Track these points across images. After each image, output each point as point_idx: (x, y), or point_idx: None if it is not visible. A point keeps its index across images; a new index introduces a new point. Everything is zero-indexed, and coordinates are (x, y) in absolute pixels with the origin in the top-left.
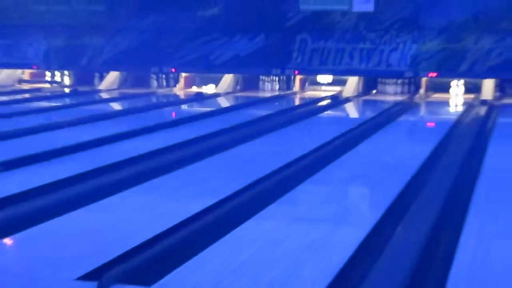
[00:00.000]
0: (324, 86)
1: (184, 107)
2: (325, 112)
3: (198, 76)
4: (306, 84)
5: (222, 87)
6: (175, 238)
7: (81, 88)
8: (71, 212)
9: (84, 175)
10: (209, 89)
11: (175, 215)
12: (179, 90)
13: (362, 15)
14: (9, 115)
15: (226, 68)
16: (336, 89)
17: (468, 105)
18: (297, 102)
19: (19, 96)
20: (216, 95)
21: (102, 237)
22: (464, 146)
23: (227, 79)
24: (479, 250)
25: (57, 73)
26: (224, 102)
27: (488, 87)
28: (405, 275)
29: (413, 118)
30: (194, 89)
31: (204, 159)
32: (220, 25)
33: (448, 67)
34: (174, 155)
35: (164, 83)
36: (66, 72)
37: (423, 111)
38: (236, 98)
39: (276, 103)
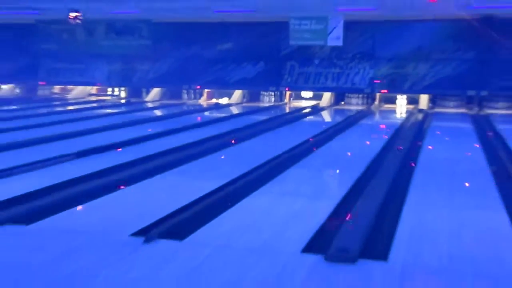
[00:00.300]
0: (306, 99)
1: (206, 113)
2: (307, 118)
3: (216, 91)
4: (292, 97)
5: (233, 99)
6: (199, 207)
7: (132, 100)
8: (127, 187)
9: (134, 162)
10: (224, 100)
11: (198, 191)
12: (203, 101)
13: (334, 48)
14: (82, 119)
15: (236, 85)
16: (315, 101)
17: (409, 113)
18: (287, 110)
19: (89, 105)
20: (229, 105)
21: (148, 206)
22: (407, 141)
23: (237, 93)
24: (417, 215)
25: (116, 89)
26: (234, 110)
27: (424, 100)
28: (363, 233)
29: (370, 122)
30: (213, 100)
31: (219, 151)
32: (232, 55)
33: (395, 86)
34: (197, 148)
35: (192, 96)
36: (122, 88)
37: (377, 117)
38: (243, 107)
39: (272, 111)
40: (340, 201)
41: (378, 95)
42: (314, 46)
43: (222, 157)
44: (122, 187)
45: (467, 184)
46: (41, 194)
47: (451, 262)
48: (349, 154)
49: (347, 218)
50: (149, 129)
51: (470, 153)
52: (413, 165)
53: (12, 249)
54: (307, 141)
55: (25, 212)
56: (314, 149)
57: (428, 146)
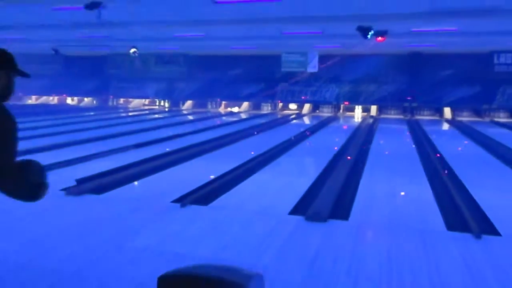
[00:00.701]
0: (292, 109)
1: (223, 118)
2: (293, 121)
3: (230, 103)
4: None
5: (242, 108)
6: (219, 182)
7: (173, 108)
8: (169, 168)
9: (175, 151)
10: (235, 109)
11: (218, 171)
12: (221, 109)
13: (312, 73)
14: (138, 121)
15: (245, 99)
16: (298, 110)
17: (364, 118)
18: (279, 116)
19: (143, 112)
20: (239, 113)
21: (183, 181)
22: (361, 137)
23: (245, 104)
24: (368, 188)
25: (162, 101)
26: (243, 116)
27: (373, 109)
28: (333, 199)
29: (336, 124)
30: (229, 109)
31: (232, 144)
32: (241, 78)
33: (354, 100)
34: (217, 143)
35: (214, 106)
36: (166, 100)
37: (341, 120)
38: (249, 114)
39: (269, 117)
40: (316, 178)
41: (342, 106)
42: (298, 72)
43: (234, 148)
44: (166, 168)
45: (402, 165)
46: (110, 173)
47: (390, 220)
48: (322, 145)
49: (320, 190)
50: (185, 129)
51: (405, 145)
52: (349, 158)
53: (90, 211)
54: (292, 137)
55: (98, 185)
56: (297, 143)
57: (376, 140)
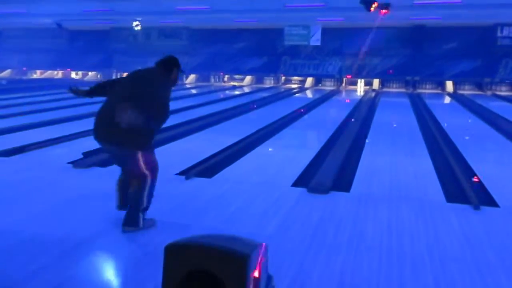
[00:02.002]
0: (295, 82)
1: (226, 92)
2: (296, 94)
3: (233, 76)
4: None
5: (245, 82)
6: (224, 154)
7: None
8: (175, 141)
9: (180, 124)
10: (239, 83)
11: (222, 144)
12: (225, 83)
13: (314, 47)
14: None
15: (247, 72)
16: (301, 83)
17: (366, 92)
18: (282, 90)
19: None
20: (242, 86)
21: (188, 154)
22: (364, 110)
23: (248, 78)
24: (370, 160)
25: None
26: (246, 90)
27: (376, 83)
28: (334, 173)
29: (339, 98)
30: (232, 82)
31: (235, 117)
32: (244, 52)
33: (356, 73)
34: (220, 116)
35: (217, 80)
36: None
37: (344, 94)
38: (252, 87)
39: (272, 90)
40: (318, 151)
41: (344, 79)
42: (300, 45)
43: (238, 121)
44: (170, 142)
45: (403, 138)
46: None
47: (391, 191)
48: (325, 118)
49: (323, 163)
50: (188, 102)
51: (406, 118)
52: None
53: (97, 183)
54: (296, 110)
55: (105, 158)
56: (301, 116)
57: (379, 113)
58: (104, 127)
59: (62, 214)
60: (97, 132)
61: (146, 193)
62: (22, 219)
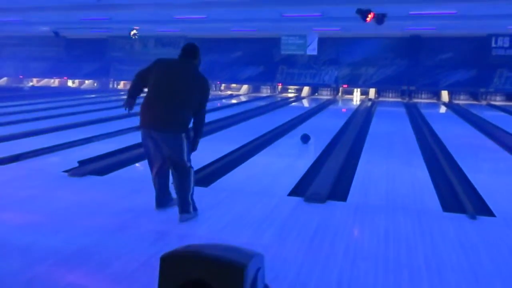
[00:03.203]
0: (291, 92)
1: (223, 100)
2: (292, 103)
3: (230, 85)
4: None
5: (242, 91)
6: (220, 163)
7: None
8: None
9: None
10: (236, 91)
11: (219, 152)
12: (222, 92)
13: (311, 56)
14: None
15: (244, 81)
16: (298, 92)
17: (362, 101)
18: (278, 99)
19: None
20: (239, 95)
21: None
22: (360, 120)
23: (245, 87)
24: (366, 170)
25: None
26: (243, 98)
27: (372, 92)
28: (330, 182)
29: (335, 107)
30: (229, 91)
31: (233, 126)
32: (241, 61)
33: (352, 83)
34: (217, 125)
35: (214, 88)
36: None
37: (340, 103)
38: (249, 96)
39: (268, 99)
40: (315, 160)
41: (340, 88)
42: (297, 54)
43: (235, 130)
44: None
45: (400, 148)
46: (112, 155)
47: (387, 200)
48: (321, 127)
49: (319, 172)
50: None
51: (402, 128)
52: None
53: (92, 192)
54: (293, 119)
55: (100, 167)
56: (297, 124)
57: (374, 123)
58: (152, 115)
59: (57, 222)
60: (145, 121)
61: (192, 179)
62: (16, 228)
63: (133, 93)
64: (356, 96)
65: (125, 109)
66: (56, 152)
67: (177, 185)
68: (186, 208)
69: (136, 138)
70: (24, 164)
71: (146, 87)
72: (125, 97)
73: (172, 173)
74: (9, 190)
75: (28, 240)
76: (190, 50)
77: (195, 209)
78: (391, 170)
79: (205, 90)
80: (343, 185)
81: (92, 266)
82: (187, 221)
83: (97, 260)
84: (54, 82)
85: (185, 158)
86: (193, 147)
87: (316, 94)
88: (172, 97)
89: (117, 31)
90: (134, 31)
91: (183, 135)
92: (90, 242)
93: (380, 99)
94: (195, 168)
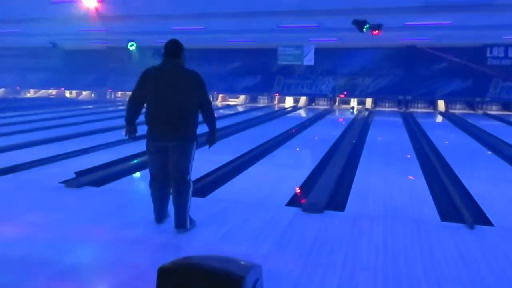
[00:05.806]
0: (289, 101)
1: (221, 111)
2: (290, 114)
3: (228, 95)
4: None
5: (239, 101)
6: (217, 174)
7: None
8: None
9: None
10: (233, 102)
11: (216, 163)
12: (219, 102)
13: (308, 66)
14: None
15: (242, 91)
16: (295, 103)
17: (359, 110)
18: (276, 108)
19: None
20: (236, 105)
21: None
22: (357, 129)
23: (242, 97)
24: (364, 180)
25: None
26: (240, 108)
27: (369, 102)
28: (328, 192)
29: (332, 116)
30: (226, 101)
31: (232, 135)
32: (239, 71)
33: (349, 92)
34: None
35: (212, 99)
36: None
37: (337, 113)
38: (246, 106)
39: (266, 109)
40: (312, 170)
41: (337, 98)
42: (294, 65)
43: (234, 139)
44: None
45: (397, 157)
46: (109, 166)
47: (385, 210)
48: (317, 138)
49: (317, 182)
50: None
51: (399, 137)
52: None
53: (89, 203)
54: (290, 129)
55: (98, 178)
56: (294, 135)
57: (372, 132)
58: (161, 126)
59: (53, 234)
60: (157, 135)
61: (191, 194)
62: (12, 239)
63: (131, 120)
64: (353, 106)
65: (128, 138)
66: (53, 163)
67: (176, 199)
68: (184, 223)
69: (133, 149)
70: (20, 175)
71: (143, 107)
72: (122, 107)
73: (172, 186)
74: (5, 201)
75: (23, 252)
76: (174, 49)
77: (191, 221)
78: (389, 179)
79: (200, 82)
80: (341, 195)
81: (88, 278)
82: (184, 232)
83: (93, 273)
84: (52, 92)
85: (189, 168)
86: (212, 141)
87: (313, 104)
88: (174, 104)
89: (115, 42)
90: (132, 43)
91: (195, 144)
92: (86, 254)
93: (377, 108)
94: (192, 179)
